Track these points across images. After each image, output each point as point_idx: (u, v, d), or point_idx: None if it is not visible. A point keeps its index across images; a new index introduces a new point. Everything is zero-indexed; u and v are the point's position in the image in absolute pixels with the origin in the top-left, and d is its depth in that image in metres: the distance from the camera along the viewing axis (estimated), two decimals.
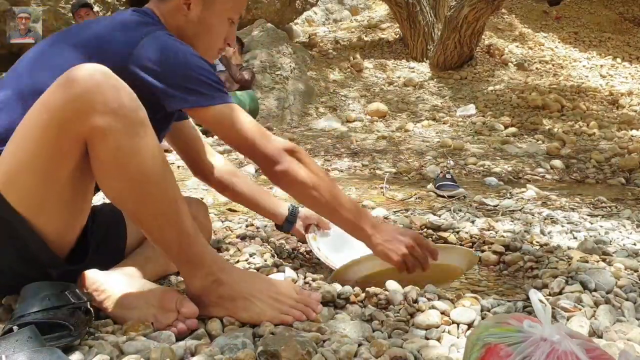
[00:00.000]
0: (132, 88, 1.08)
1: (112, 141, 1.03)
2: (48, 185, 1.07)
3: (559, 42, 8.30)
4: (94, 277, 1.19)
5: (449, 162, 3.76)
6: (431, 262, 1.39)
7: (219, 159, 1.62)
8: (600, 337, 1.11)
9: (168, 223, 1.11)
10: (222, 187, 1.62)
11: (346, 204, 1.34)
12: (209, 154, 1.61)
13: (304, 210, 1.72)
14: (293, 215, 1.70)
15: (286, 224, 1.70)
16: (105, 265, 1.27)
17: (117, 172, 1.06)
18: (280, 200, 1.74)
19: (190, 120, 1.58)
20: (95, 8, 5.67)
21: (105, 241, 1.35)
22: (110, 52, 1.17)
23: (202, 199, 2.52)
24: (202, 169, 1.60)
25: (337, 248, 1.63)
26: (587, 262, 1.49)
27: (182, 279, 1.40)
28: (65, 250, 1.18)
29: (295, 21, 8.46)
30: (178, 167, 3.64)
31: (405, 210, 2.31)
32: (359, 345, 1.06)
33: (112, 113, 1.02)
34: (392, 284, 1.33)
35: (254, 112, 5.35)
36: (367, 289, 1.31)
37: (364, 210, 1.39)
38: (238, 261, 1.59)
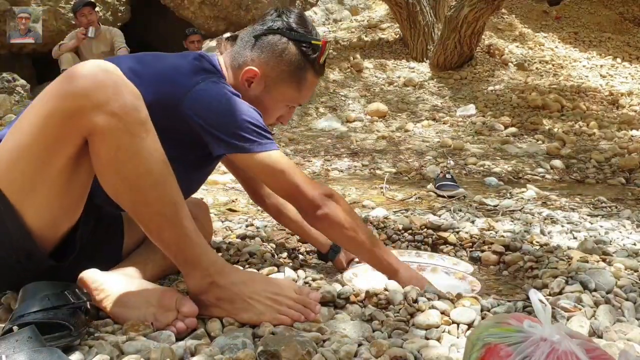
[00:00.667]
0: (182, 128, 1.23)
1: (112, 140, 1.03)
2: (40, 174, 1.06)
3: (559, 42, 8.30)
4: (93, 276, 1.19)
5: (449, 162, 3.76)
6: None
7: None
8: (600, 337, 1.11)
9: (166, 224, 1.11)
10: (277, 213, 1.71)
11: (377, 243, 1.44)
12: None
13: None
14: (336, 249, 1.74)
15: (331, 252, 1.73)
16: (103, 266, 1.27)
17: (116, 171, 1.06)
18: None
19: None
20: (96, 8, 5.67)
21: (105, 241, 1.35)
22: (168, 90, 1.24)
23: (202, 199, 2.52)
24: (260, 197, 1.70)
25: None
26: (587, 262, 1.49)
27: (182, 279, 1.41)
28: (51, 244, 1.17)
29: None
30: None
31: (405, 210, 2.31)
32: (359, 345, 1.06)
33: (114, 112, 1.02)
34: (392, 284, 1.33)
35: None
36: (367, 289, 1.31)
37: (390, 251, 1.48)
38: (238, 261, 1.59)
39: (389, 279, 1.39)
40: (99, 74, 1.03)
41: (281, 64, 1.39)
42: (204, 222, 1.55)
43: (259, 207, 2.37)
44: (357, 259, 1.71)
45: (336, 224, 1.35)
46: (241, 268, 1.53)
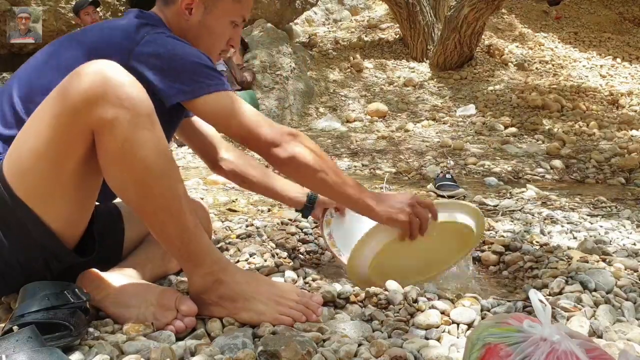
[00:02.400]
0: None
1: (119, 132, 1.03)
2: (56, 175, 1.07)
3: (559, 42, 8.30)
4: (93, 276, 1.19)
5: (449, 162, 3.76)
6: (439, 221, 1.36)
7: (233, 152, 1.64)
8: (600, 337, 1.11)
9: (171, 218, 1.11)
10: (239, 178, 1.63)
11: (349, 182, 1.35)
12: (224, 149, 1.62)
13: (322, 197, 1.68)
14: (312, 201, 1.66)
15: (305, 211, 1.67)
16: (103, 266, 1.27)
17: (122, 164, 1.06)
18: (297, 186, 1.69)
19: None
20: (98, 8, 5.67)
21: (103, 241, 1.35)
22: (112, 50, 1.19)
23: (202, 199, 2.52)
24: (218, 165, 1.62)
25: (352, 233, 1.57)
26: (587, 262, 1.49)
27: (182, 278, 1.41)
28: (73, 242, 1.19)
29: (295, 21, 8.46)
30: (178, 167, 3.64)
31: None
32: (359, 345, 1.06)
33: (120, 105, 1.03)
34: (392, 284, 1.33)
35: None
36: (367, 289, 1.31)
37: (363, 187, 1.39)
38: (238, 261, 1.59)
39: (369, 217, 1.35)
40: (104, 71, 1.04)
41: None
42: (204, 223, 1.54)
43: (258, 207, 2.38)
44: (335, 207, 1.67)
45: (303, 166, 1.27)
46: (242, 268, 1.53)
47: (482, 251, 1.79)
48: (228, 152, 1.63)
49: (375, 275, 1.39)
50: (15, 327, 0.94)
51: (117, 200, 1.41)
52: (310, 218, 1.98)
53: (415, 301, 1.26)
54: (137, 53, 1.19)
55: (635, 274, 1.47)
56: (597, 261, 1.52)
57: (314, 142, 1.34)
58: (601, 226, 2.09)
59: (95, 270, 1.21)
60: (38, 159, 1.06)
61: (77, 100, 1.02)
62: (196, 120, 1.59)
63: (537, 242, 1.82)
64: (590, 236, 1.92)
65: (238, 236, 1.83)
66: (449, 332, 1.16)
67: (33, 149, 1.06)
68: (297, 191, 1.67)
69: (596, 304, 1.23)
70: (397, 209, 1.33)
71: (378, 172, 3.50)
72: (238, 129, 1.24)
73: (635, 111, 5.83)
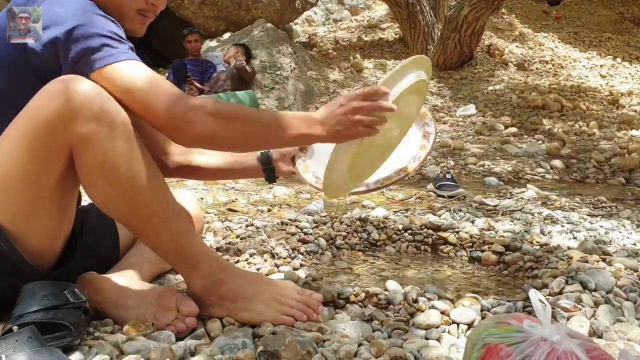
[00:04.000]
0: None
1: (98, 146, 1.02)
2: (37, 194, 1.06)
3: (559, 42, 8.30)
4: (92, 279, 1.19)
5: (449, 162, 3.76)
6: (394, 99, 1.16)
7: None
8: (600, 337, 1.11)
9: (162, 225, 1.10)
10: (183, 171, 1.45)
11: (277, 121, 1.15)
12: (168, 143, 1.44)
13: (275, 151, 1.50)
14: (266, 160, 1.47)
15: (267, 174, 1.48)
16: (101, 267, 1.27)
17: (105, 177, 1.04)
18: (250, 153, 1.52)
19: None
20: None
21: (98, 243, 1.34)
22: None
23: (202, 199, 2.52)
24: (163, 164, 1.41)
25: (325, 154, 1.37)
26: (587, 262, 1.49)
27: (182, 279, 1.41)
28: (54, 257, 1.17)
29: (295, 21, 8.46)
30: None
31: (405, 210, 2.31)
32: (359, 345, 1.06)
33: (96, 118, 1.01)
34: (391, 284, 1.33)
35: None
36: (367, 289, 1.31)
37: (294, 115, 1.18)
38: (238, 261, 1.59)
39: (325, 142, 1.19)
40: (73, 86, 1.01)
41: None
42: (195, 210, 1.50)
43: (258, 207, 2.38)
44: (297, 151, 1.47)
45: (217, 138, 1.10)
46: (242, 268, 1.53)
47: (482, 251, 1.79)
48: (171, 146, 1.44)
49: (352, 181, 1.34)
50: (15, 327, 0.94)
51: None
52: (310, 219, 1.98)
53: (415, 301, 1.26)
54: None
55: (635, 274, 1.47)
56: (597, 261, 1.52)
57: (225, 104, 1.17)
58: (601, 226, 2.09)
59: (93, 273, 1.21)
60: (16, 182, 1.04)
61: (51, 119, 1.00)
62: None
63: (537, 242, 1.82)
64: (590, 236, 1.92)
65: (238, 236, 1.83)
66: (449, 332, 1.16)
67: (9, 172, 1.03)
68: (251, 157, 1.49)
69: (596, 304, 1.23)
70: (339, 122, 1.14)
71: None
72: (139, 103, 1.07)
73: (635, 111, 5.83)
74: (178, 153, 1.43)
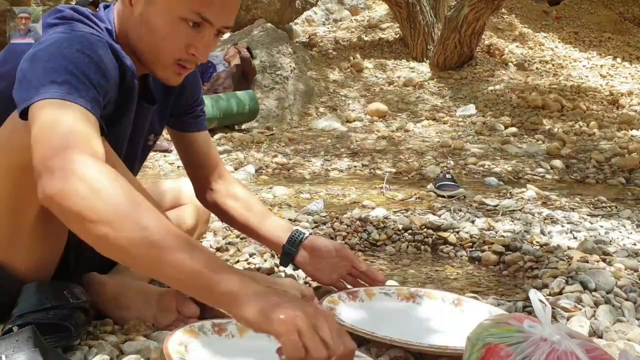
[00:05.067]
0: None
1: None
2: (19, 224, 1.04)
3: (559, 42, 8.30)
4: (92, 279, 1.19)
5: (449, 162, 3.76)
6: None
7: (229, 184, 1.39)
8: (600, 337, 1.11)
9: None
10: (216, 210, 1.39)
11: (183, 243, 0.80)
12: (220, 178, 1.37)
13: (312, 238, 1.33)
14: (293, 242, 1.30)
15: (284, 259, 1.33)
16: (102, 269, 1.27)
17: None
18: (286, 223, 1.40)
19: (207, 134, 1.38)
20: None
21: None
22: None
23: None
24: (203, 192, 1.37)
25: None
26: (587, 262, 1.49)
27: None
28: (50, 273, 1.15)
29: (295, 21, 8.46)
30: (178, 167, 3.65)
31: (405, 210, 2.31)
32: (359, 345, 1.06)
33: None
34: (391, 284, 1.33)
35: (253, 112, 5.35)
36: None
37: (216, 260, 0.85)
38: (238, 261, 1.59)
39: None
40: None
41: None
42: (192, 202, 1.47)
43: None
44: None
45: (66, 211, 0.81)
46: (241, 268, 1.53)
47: (482, 251, 1.79)
48: (223, 185, 1.37)
49: None
50: (15, 327, 0.94)
51: None
52: (310, 219, 1.96)
53: None
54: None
55: (635, 274, 1.47)
56: (597, 261, 1.52)
57: (105, 169, 0.83)
58: (601, 226, 2.08)
59: (94, 274, 1.21)
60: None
61: (24, 162, 0.89)
62: (195, 135, 1.35)
63: (537, 242, 1.82)
64: (591, 236, 1.92)
65: (238, 236, 1.83)
66: None
67: None
68: (283, 230, 1.34)
69: (596, 304, 1.23)
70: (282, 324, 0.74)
71: (378, 172, 3.50)
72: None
73: (635, 111, 5.83)
74: (221, 192, 1.36)
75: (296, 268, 1.38)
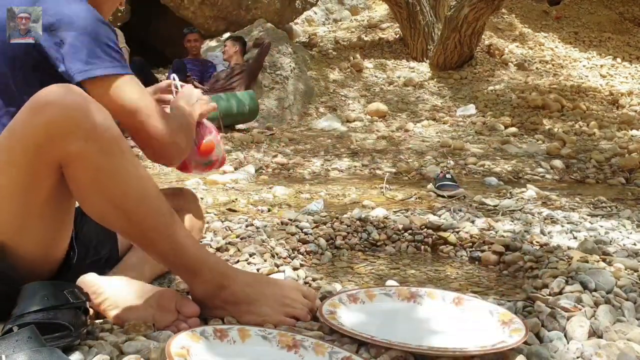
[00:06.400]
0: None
1: (89, 164, 1.00)
2: (27, 210, 1.05)
3: (559, 42, 8.30)
4: (91, 280, 1.19)
5: (449, 162, 3.76)
6: None
7: None
8: (600, 337, 1.10)
9: (159, 237, 1.09)
10: None
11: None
12: None
13: None
14: None
15: None
16: (101, 268, 1.27)
17: (98, 194, 1.03)
18: None
19: None
20: None
21: (97, 245, 1.34)
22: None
23: (202, 199, 2.52)
24: None
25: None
26: (587, 262, 1.49)
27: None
28: (54, 267, 1.17)
29: (295, 21, 8.45)
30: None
31: (405, 210, 2.31)
32: (359, 345, 1.06)
33: (86, 137, 0.99)
34: (391, 284, 1.33)
35: (253, 112, 5.35)
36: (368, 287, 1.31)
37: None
38: (238, 261, 1.59)
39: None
40: (63, 100, 0.99)
41: None
42: (194, 211, 1.51)
43: (258, 207, 2.38)
44: None
45: (181, 155, 1.31)
46: (241, 268, 1.53)
47: (482, 251, 1.79)
48: None
49: None
50: (15, 327, 0.94)
51: None
52: (310, 219, 1.97)
53: None
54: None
55: (635, 274, 1.47)
56: (597, 261, 1.52)
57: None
58: (601, 226, 2.08)
59: (92, 274, 1.21)
60: (6, 195, 1.03)
61: (39, 136, 0.98)
62: None
63: (537, 242, 1.82)
64: (591, 236, 1.92)
65: (238, 236, 1.83)
66: None
67: (0, 185, 1.02)
68: None
69: (596, 304, 1.23)
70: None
71: (378, 172, 3.50)
72: (133, 121, 1.18)
73: (635, 111, 5.83)
74: None
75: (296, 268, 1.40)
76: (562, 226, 2.07)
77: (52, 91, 1.00)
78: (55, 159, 1.00)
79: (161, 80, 6.72)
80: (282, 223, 1.98)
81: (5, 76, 1.15)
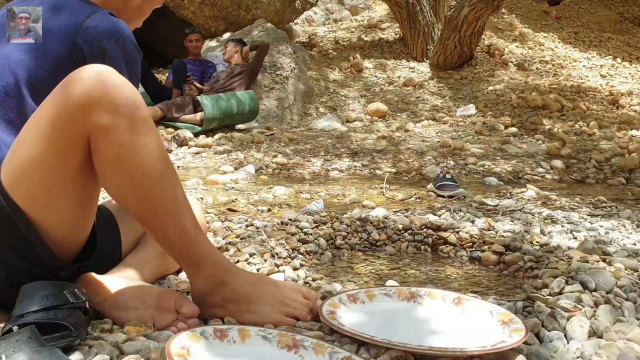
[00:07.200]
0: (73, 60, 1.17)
1: (114, 138, 1.03)
2: (56, 183, 1.07)
3: (559, 42, 8.30)
4: (91, 279, 1.19)
5: (449, 162, 3.76)
6: None
7: None
8: (600, 337, 1.11)
9: (170, 221, 1.10)
10: None
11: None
12: None
13: None
14: None
15: None
16: (102, 269, 1.27)
17: (119, 169, 1.06)
18: None
19: None
20: None
21: (100, 245, 1.34)
22: (57, 28, 1.20)
23: (202, 198, 2.53)
24: None
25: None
26: (587, 262, 1.49)
27: (182, 279, 1.41)
28: (77, 249, 1.18)
29: (295, 21, 8.46)
30: (178, 167, 3.64)
31: (405, 210, 2.31)
32: (359, 345, 1.06)
33: (115, 110, 1.02)
34: (392, 284, 1.33)
35: (253, 112, 5.35)
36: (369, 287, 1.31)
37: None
38: (238, 261, 1.59)
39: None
40: (99, 75, 1.03)
41: None
42: (197, 212, 1.52)
43: (258, 207, 2.38)
44: None
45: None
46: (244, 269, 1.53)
47: (482, 251, 1.79)
48: None
49: None
50: (15, 327, 0.94)
51: (103, 201, 1.40)
52: (310, 219, 1.97)
53: None
54: (85, 29, 1.19)
55: (635, 274, 1.47)
56: (597, 261, 1.52)
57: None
58: (601, 226, 2.08)
59: (92, 273, 1.21)
60: (36, 167, 1.05)
61: (72, 107, 1.02)
62: None
63: (537, 242, 1.82)
64: (591, 236, 1.92)
65: (238, 236, 1.83)
66: None
67: (30, 157, 1.05)
68: None
69: (596, 304, 1.23)
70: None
71: (378, 172, 3.50)
72: None
73: (635, 111, 5.84)
74: None
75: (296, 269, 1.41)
76: (562, 226, 2.07)
77: (90, 67, 1.05)
78: (85, 131, 1.03)
79: (161, 80, 6.72)
80: (282, 223, 1.98)
81: (48, 79, 1.18)
